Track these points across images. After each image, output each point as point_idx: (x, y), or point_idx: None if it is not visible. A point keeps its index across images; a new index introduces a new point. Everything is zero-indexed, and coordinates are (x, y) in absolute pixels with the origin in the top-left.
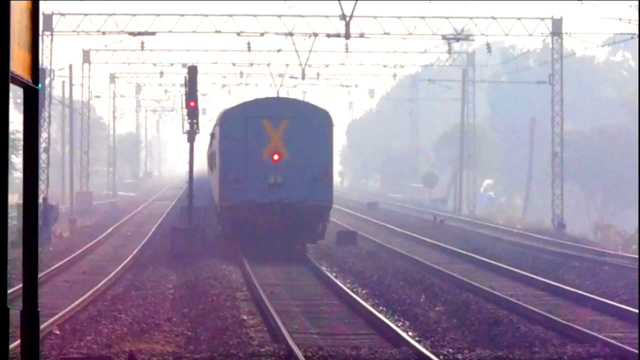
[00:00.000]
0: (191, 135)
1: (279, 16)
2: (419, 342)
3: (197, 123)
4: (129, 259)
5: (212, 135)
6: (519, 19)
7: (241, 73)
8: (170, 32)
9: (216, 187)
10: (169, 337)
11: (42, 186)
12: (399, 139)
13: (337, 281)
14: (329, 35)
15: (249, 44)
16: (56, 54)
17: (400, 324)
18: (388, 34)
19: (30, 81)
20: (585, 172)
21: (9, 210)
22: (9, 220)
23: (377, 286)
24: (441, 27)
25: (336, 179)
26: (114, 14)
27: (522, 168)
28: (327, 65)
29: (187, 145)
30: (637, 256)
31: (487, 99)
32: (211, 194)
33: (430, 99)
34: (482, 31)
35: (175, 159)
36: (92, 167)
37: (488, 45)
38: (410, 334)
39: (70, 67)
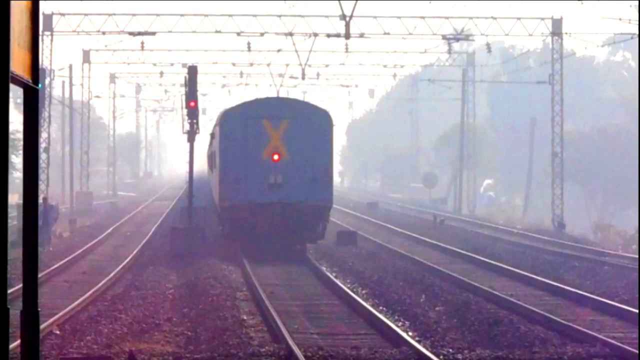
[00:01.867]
0: (191, 135)
1: (279, 16)
2: (419, 342)
3: (197, 123)
4: (129, 259)
5: (212, 135)
6: (519, 19)
7: (241, 73)
8: (170, 32)
9: (216, 187)
10: (169, 337)
11: (42, 186)
12: (399, 139)
13: (337, 281)
14: (329, 35)
15: (249, 44)
16: (56, 54)
17: (400, 324)
18: (388, 34)
19: (30, 81)
20: (585, 172)
21: (9, 210)
22: (9, 220)
23: (377, 286)
24: (441, 27)
25: (336, 179)
26: (114, 14)
27: (522, 168)
28: (327, 65)
29: (187, 145)
30: (637, 256)
31: (487, 99)
32: (211, 194)
33: (430, 99)
34: (482, 31)
35: (175, 159)
36: (92, 167)
37: (488, 45)
38: (410, 334)
39: (70, 67)
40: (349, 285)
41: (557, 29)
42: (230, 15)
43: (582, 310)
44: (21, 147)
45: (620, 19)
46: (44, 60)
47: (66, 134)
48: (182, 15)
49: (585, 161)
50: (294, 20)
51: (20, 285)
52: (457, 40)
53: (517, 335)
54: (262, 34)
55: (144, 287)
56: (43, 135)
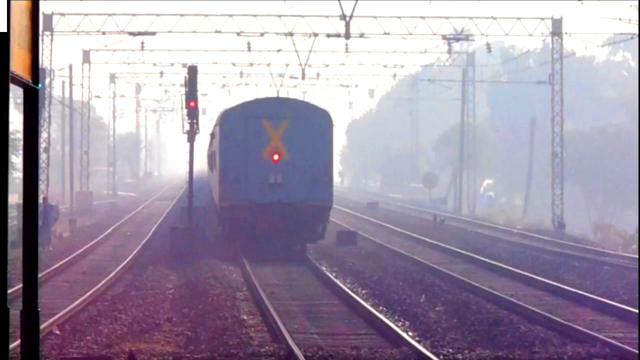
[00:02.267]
0: (191, 135)
1: (279, 16)
2: (419, 342)
3: (197, 123)
4: (129, 259)
5: (212, 135)
6: (519, 19)
7: (241, 73)
8: (170, 32)
9: (216, 187)
10: (169, 337)
11: (42, 186)
12: (399, 139)
13: (337, 281)
14: (329, 35)
15: (249, 44)
16: (56, 54)
17: (400, 324)
18: (388, 34)
19: (30, 81)
20: (585, 172)
21: (9, 210)
22: (9, 220)
23: (377, 286)
24: (441, 27)
25: (336, 179)
26: (114, 14)
27: (522, 168)
28: (327, 65)
29: (187, 145)
30: (637, 256)
31: (487, 99)
32: (211, 194)
33: (430, 99)
34: (482, 31)
35: (175, 159)
36: (92, 167)
37: (488, 45)
38: (410, 334)
39: (70, 67)
40: (349, 285)
41: (557, 29)
42: (230, 15)
43: (582, 310)
44: (21, 147)
45: (620, 19)
46: (44, 60)
47: (66, 134)
48: (182, 15)
49: (585, 161)
50: (294, 20)
51: (20, 285)
52: (457, 40)
53: (517, 335)
54: (262, 34)
55: (144, 287)
56: (43, 135)
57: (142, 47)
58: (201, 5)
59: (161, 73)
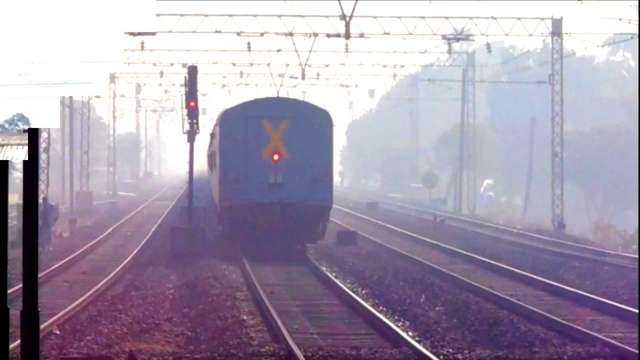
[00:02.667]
0: (191, 135)
1: (279, 16)
2: (419, 342)
3: (197, 123)
4: (129, 259)
5: (212, 135)
6: (519, 19)
7: (241, 73)
8: (170, 32)
9: (216, 187)
10: (169, 337)
11: (42, 186)
12: (399, 139)
13: (337, 281)
14: (329, 35)
15: (249, 44)
16: None
17: (400, 324)
18: (388, 34)
19: None
20: (585, 172)
21: (9, 210)
22: (9, 220)
23: (377, 286)
24: (441, 27)
25: (336, 179)
26: None
27: (522, 168)
28: (327, 65)
29: (187, 145)
30: (637, 256)
31: (487, 99)
32: (211, 194)
33: (430, 99)
34: (482, 31)
35: (175, 159)
36: (92, 167)
37: (488, 45)
38: (410, 334)
39: None
40: (349, 285)
41: (557, 29)
42: (230, 15)
43: (582, 310)
44: None
45: (620, 19)
46: None
47: (66, 134)
48: (182, 15)
49: (585, 161)
50: (294, 20)
51: (20, 285)
52: (457, 40)
53: (517, 335)
54: (262, 34)
55: (144, 287)
56: (43, 135)
57: (142, 47)
58: (201, 5)
59: (161, 73)
